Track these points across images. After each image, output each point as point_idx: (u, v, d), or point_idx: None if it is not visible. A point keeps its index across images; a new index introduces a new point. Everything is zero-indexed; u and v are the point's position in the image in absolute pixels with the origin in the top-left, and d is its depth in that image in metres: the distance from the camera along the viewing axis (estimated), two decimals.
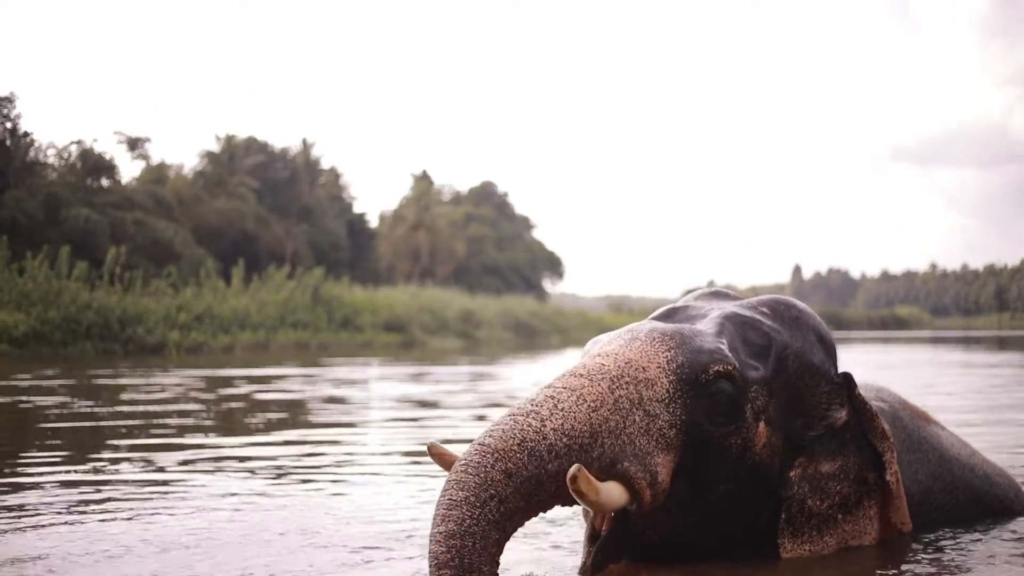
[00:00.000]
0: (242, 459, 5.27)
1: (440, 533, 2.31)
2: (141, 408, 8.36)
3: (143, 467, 4.97)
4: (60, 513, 3.70)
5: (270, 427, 7.00)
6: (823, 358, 2.93)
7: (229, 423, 7.38)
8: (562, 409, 2.49)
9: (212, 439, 6.23)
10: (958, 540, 3.12)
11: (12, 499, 3.99)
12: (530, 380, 12.58)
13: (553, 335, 40.31)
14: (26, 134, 32.76)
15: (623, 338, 2.74)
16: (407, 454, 5.54)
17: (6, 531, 3.39)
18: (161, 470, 4.86)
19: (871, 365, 16.43)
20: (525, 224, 67.38)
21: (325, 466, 5.05)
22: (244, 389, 10.99)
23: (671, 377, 2.62)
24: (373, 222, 54.62)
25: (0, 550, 3.09)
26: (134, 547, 3.16)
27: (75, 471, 4.79)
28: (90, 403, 8.80)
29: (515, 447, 2.40)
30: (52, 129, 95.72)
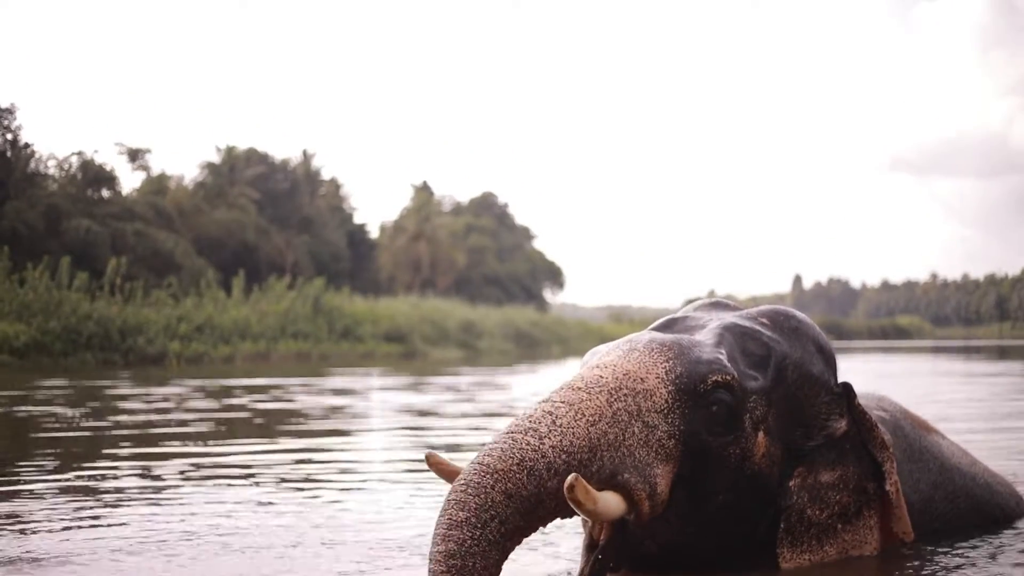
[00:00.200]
0: (243, 468, 5.26)
1: (440, 553, 2.31)
2: (141, 418, 8.35)
3: (142, 476, 4.97)
4: (57, 520, 3.70)
5: (271, 436, 7.00)
6: (823, 368, 2.93)
7: (229, 432, 7.37)
8: (560, 426, 2.49)
9: (212, 448, 6.22)
10: (960, 549, 3.11)
11: (8, 506, 3.98)
12: (530, 390, 12.57)
13: (554, 345, 40.28)
14: (27, 145, 32.83)
15: (621, 349, 2.74)
16: (408, 463, 5.53)
17: (3, 536, 3.39)
18: (159, 478, 4.86)
19: (872, 375, 16.41)
20: (525, 234, 67.44)
21: (327, 475, 5.05)
22: (244, 399, 10.98)
23: (670, 387, 2.62)
24: (374, 233, 54.69)
25: None
26: (133, 552, 3.16)
27: (72, 480, 4.78)
28: (89, 412, 8.80)
29: (515, 467, 2.40)
30: (53, 140, 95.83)
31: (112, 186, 35.88)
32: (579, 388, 2.59)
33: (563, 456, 2.45)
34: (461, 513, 2.34)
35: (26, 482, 4.76)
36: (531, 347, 39.04)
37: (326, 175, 53.16)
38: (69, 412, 8.90)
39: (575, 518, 2.57)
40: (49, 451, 6.10)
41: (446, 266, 54.51)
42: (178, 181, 44.30)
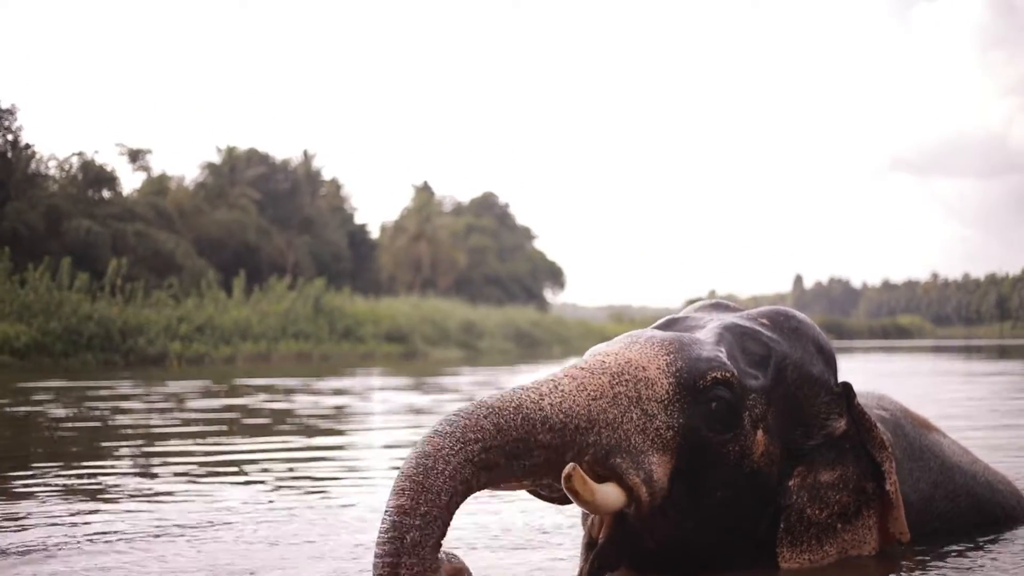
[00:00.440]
0: (243, 468, 5.27)
1: (414, 454, 2.31)
2: (141, 417, 8.35)
3: (141, 475, 4.97)
4: (54, 518, 3.70)
5: (271, 435, 7.00)
6: (822, 368, 2.93)
7: (229, 432, 7.37)
8: (562, 391, 2.51)
9: (212, 448, 6.21)
10: (960, 549, 3.10)
11: (8, 506, 3.99)
12: None
13: (554, 345, 40.29)
14: (27, 146, 32.87)
15: (623, 342, 2.76)
16: None
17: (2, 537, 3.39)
18: (158, 477, 4.86)
19: (873, 374, 16.41)
20: (526, 234, 67.49)
21: (327, 474, 5.05)
22: (245, 399, 10.98)
23: (670, 379, 2.63)
24: (374, 233, 54.76)
25: None
26: (128, 548, 3.16)
27: (73, 480, 4.78)
28: (89, 412, 8.80)
29: (510, 408, 2.41)
30: (53, 141, 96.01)
31: (113, 187, 35.94)
32: (583, 368, 2.61)
33: (560, 416, 2.46)
34: (447, 427, 2.34)
35: (26, 482, 4.76)
36: (532, 347, 39.05)
37: (327, 175, 53.28)
38: (69, 412, 8.91)
39: (574, 519, 2.56)
40: (49, 451, 6.10)
41: (447, 266, 54.54)
42: (179, 182, 44.38)
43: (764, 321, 2.97)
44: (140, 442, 6.64)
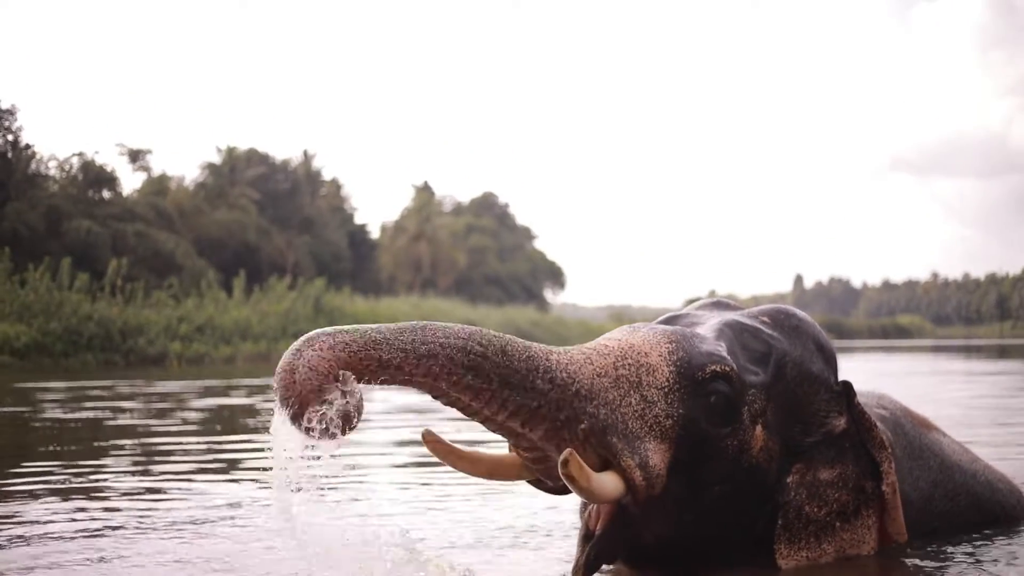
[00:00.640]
0: (242, 467, 5.26)
1: (394, 329, 2.39)
2: (141, 418, 8.35)
3: (141, 474, 4.96)
4: (52, 516, 3.70)
5: (271, 436, 6.97)
6: (822, 367, 2.93)
7: (229, 431, 7.37)
8: (571, 356, 2.57)
9: (212, 447, 6.21)
10: (960, 548, 3.10)
11: (7, 507, 3.98)
12: None
13: (555, 345, 40.24)
14: (27, 146, 32.86)
15: (625, 330, 2.79)
16: (409, 462, 5.53)
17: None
18: (157, 475, 4.85)
19: (873, 373, 16.40)
20: (526, 234, 67.52)
21: (327, 473, 5.04)
22: (245, 399, 10.98)
23: (671, 368, 2.64)
24: (374, 233, 54.76)
25: None
26: (129, 553, 3.16)
27: (72, 479, 4.78)
28: (88, 413, 8.80)
29: (520, 344, 2.49)
30: (53, 141, 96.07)
31: (113, 187, 35.93)
32: (587, 350, 2.65)
33: (563, 374, 2.51)
34: (455, 328, 2.43)
35: (26, 481, 4.76)
36: None
37: (327, 175, 53.28)
38: (68, 412, 8.90)
39: (574, 519, 2.55)
40: (48, 450, 6.10)
41: (447, 266, 54.56)
42: (179, 182, 44.37)
43: (765, 319, 2.97)
44: (139, 441, 6.64)
